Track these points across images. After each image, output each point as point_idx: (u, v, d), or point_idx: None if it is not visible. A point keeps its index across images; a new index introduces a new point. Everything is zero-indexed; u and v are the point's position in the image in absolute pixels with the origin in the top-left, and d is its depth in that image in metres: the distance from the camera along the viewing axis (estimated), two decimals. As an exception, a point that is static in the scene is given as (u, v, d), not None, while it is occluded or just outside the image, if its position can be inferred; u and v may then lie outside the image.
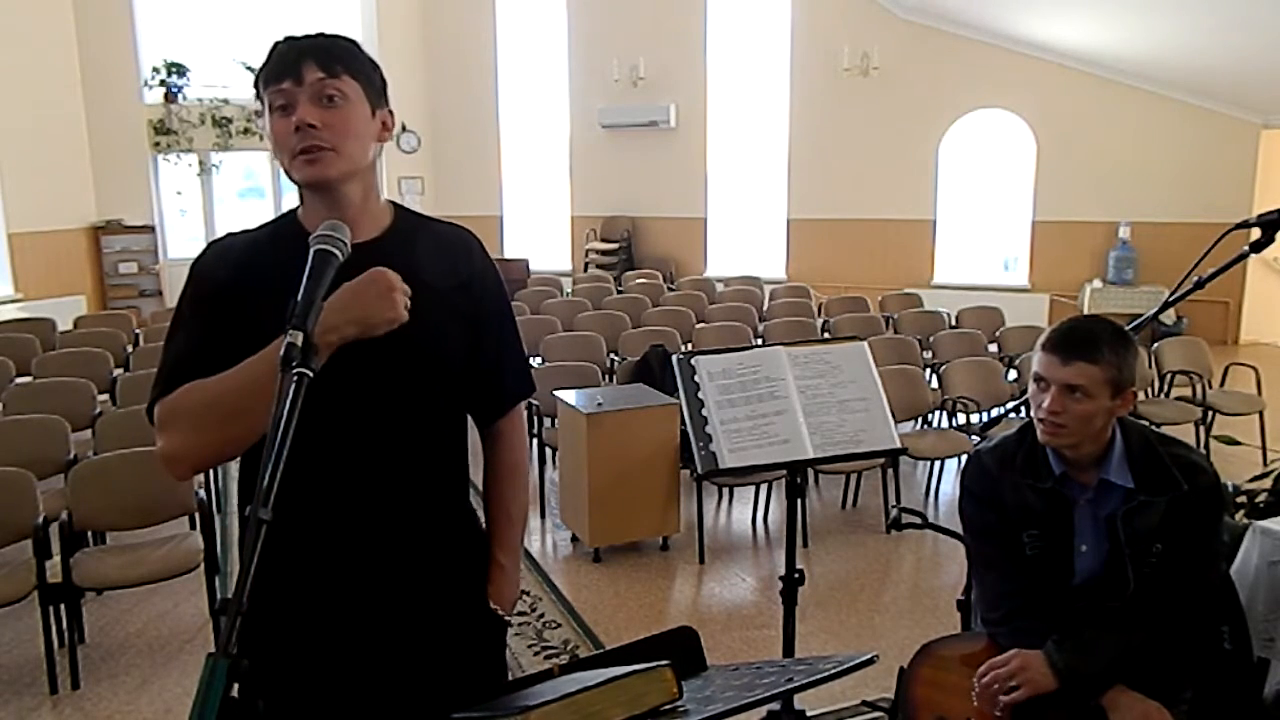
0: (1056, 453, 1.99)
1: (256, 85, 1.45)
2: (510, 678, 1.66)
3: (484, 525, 1.71)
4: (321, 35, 1.46)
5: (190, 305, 1.48)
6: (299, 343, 1.16)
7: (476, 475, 1.74)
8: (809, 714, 2.86)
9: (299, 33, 1.47)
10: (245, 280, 1.45)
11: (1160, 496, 1.92)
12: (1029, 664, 1.89)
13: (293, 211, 1.54)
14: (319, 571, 1.47)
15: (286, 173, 1.45)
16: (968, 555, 2.29)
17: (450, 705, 1.45)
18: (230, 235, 1.56)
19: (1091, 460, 1.96)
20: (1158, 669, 1.90)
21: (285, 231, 1.50)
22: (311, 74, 1.40)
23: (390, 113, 1.52)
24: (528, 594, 4.18)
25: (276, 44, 1.45)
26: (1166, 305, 2.38)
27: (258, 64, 1.46)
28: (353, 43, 1.48)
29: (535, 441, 5.33)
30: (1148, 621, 1.90)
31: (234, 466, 1.56)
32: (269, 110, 1.43)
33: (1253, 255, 2.30)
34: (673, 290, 9.03)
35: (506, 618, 1.65)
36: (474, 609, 1.61)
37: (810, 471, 5.21)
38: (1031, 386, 1.98)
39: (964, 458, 4.51)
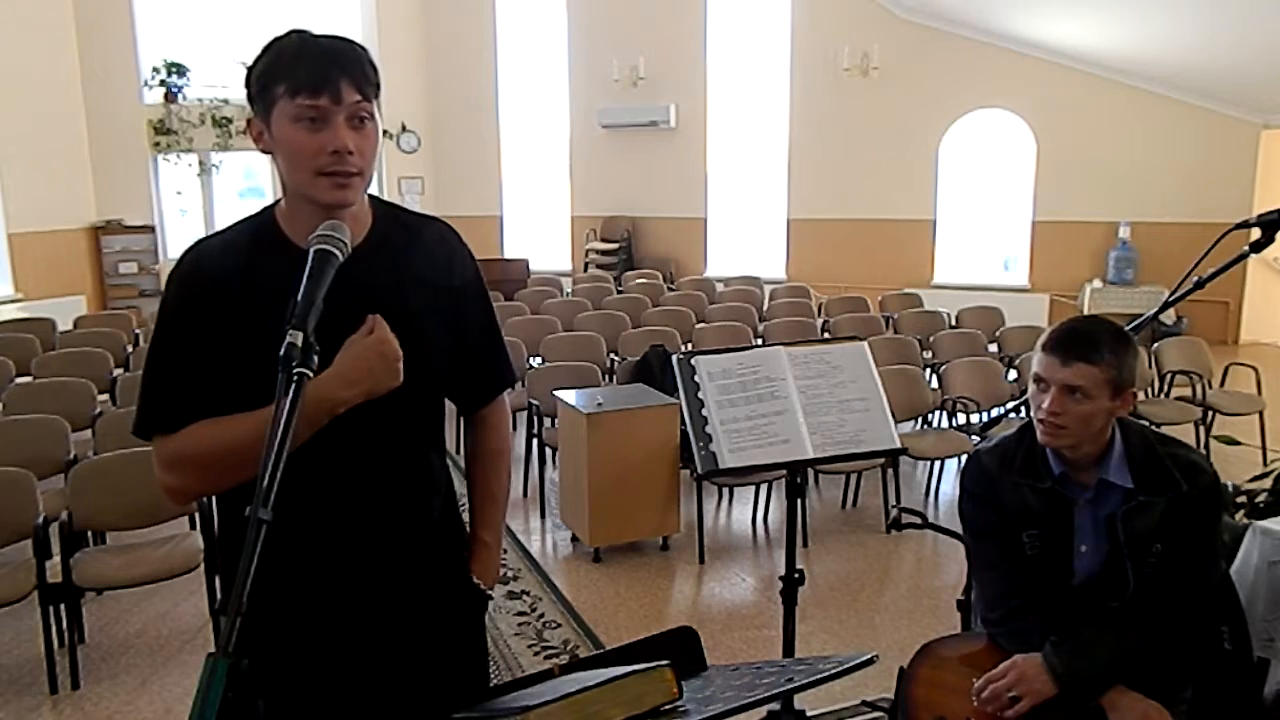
0: (1056, 453, 1.99)
1: (269, 83, 1.38)
2: (510, 677, 1.67)
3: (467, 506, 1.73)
4: (340, 40, 1.41)
5: (173, 318, 1.45)
6: (299, 343, 1.16)
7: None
8: (809, 714, 2.86)
9: (307, 29, 1.42)
10: (227, 289, 1.42)
11: (1160, 496, 1.92)
12: (1027, 673, 1.88)
13: (269, 210, 1.50)
14: (308, 565, 1.48)
15: (297, 187, 1.41)
16: (967, 555, 2.29)
17: (445, 699, 1.46)
18: (205, 240, 1.51)
19: (1091, 460, 1.96)
20: (1157, 669, 1.90)
21: (265, 236, 1.47)
22: (350, 94, 1.37)
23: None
24: (528, 594, 4.18)
25: (299, 45, 1.38)
26: (1166, 305, 2.38)
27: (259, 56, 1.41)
28: (367, 51, 1.44)
29: (535, 441, 5.33)
30: (1147, 622, 1.90)
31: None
32: (291, 119, 1.36)
33: (1253, 255, 2.30)
34: (673, 290, 9.03)
35: (489, 591, 1.69)
36: (458, 587, 1.65)
37: (810, 471, 5.21)
38: (1031, 387, 1.98)
39: (964, 458, 4.51)
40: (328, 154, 1.37)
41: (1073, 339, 1.91)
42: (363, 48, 1.44)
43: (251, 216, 1.52)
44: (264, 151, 1.43)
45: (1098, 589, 1.96)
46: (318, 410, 1.31)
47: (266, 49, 1.41)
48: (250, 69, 1.41)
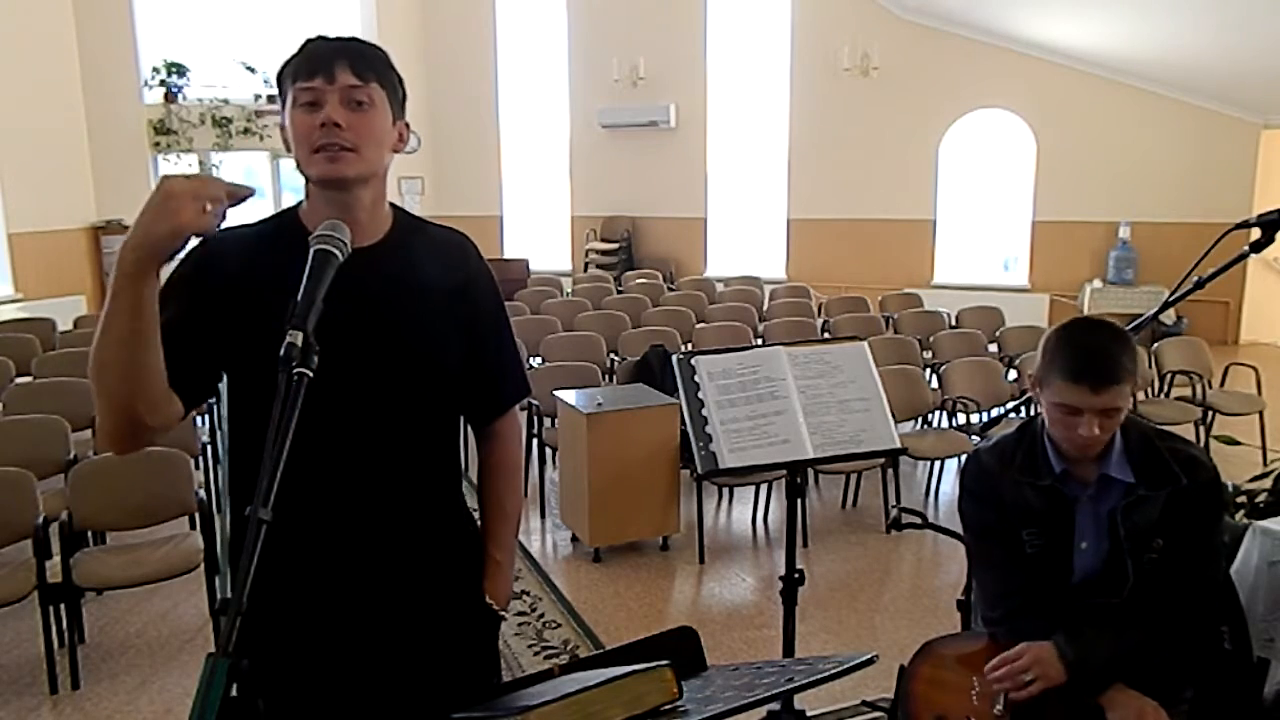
0: (1057, 450, 1.98)
1: (281, 80, 1.46)
2: (510, 677, 1.66)
3: (478, 522, 1.72)
4: (355, 40, 1.48)
5: (178, 285, 1.46)
6: (299, 343, 1.16)
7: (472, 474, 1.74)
8: (809, 714, 2.86)
9: (330, 34, 1.49)
10: (243, 275, 1.44)
11: (1160, 490, 1.92)
12: (1041, 657, 1.88)
13: (295, 208, 1.54)
14: (315, 570, 1.48)
15: (300, 169, 1.45)
16: (967, 555, 2.29)
17: (448, 704, 1.45)
18: (230, 229, 1.52)
19: (1092, 457, 1.96)
20: (1158, 668, 1.90)
21: (287, 229, 1.50)
22: (344, 76, 1.42)
23: (406, 124, 1.54)
24: (528, 594, 4.18)
25: (309, 41, 1.46)
26: (1166, 305, 2.38)
27: (263, 64, 1.46)
28: (383, 51, 1.49)
29: (535, 441, 5.33)
30: (1148, 618, 1.90)
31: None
32: (293, 105, 1.43)
33: (1253, 255, 2.30)
34: (673, 290, 9.03)
35: (501, 612, 1.67)
36: (469, 604, 1.63)
37: (810, 471, 5.21)
38: (1053, 412, 1.91)
39: (964, 457, 4.51)
40: (319, 129, 1.41)
41: (1096, 365, 1.84)
42: (378, 47, 1.49)
43: (280, 212, 1.57)
44: (289, 150, 1.47)
45: (1098, 586, 1.96)
46: (120, 266, 1.33)
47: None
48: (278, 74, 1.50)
